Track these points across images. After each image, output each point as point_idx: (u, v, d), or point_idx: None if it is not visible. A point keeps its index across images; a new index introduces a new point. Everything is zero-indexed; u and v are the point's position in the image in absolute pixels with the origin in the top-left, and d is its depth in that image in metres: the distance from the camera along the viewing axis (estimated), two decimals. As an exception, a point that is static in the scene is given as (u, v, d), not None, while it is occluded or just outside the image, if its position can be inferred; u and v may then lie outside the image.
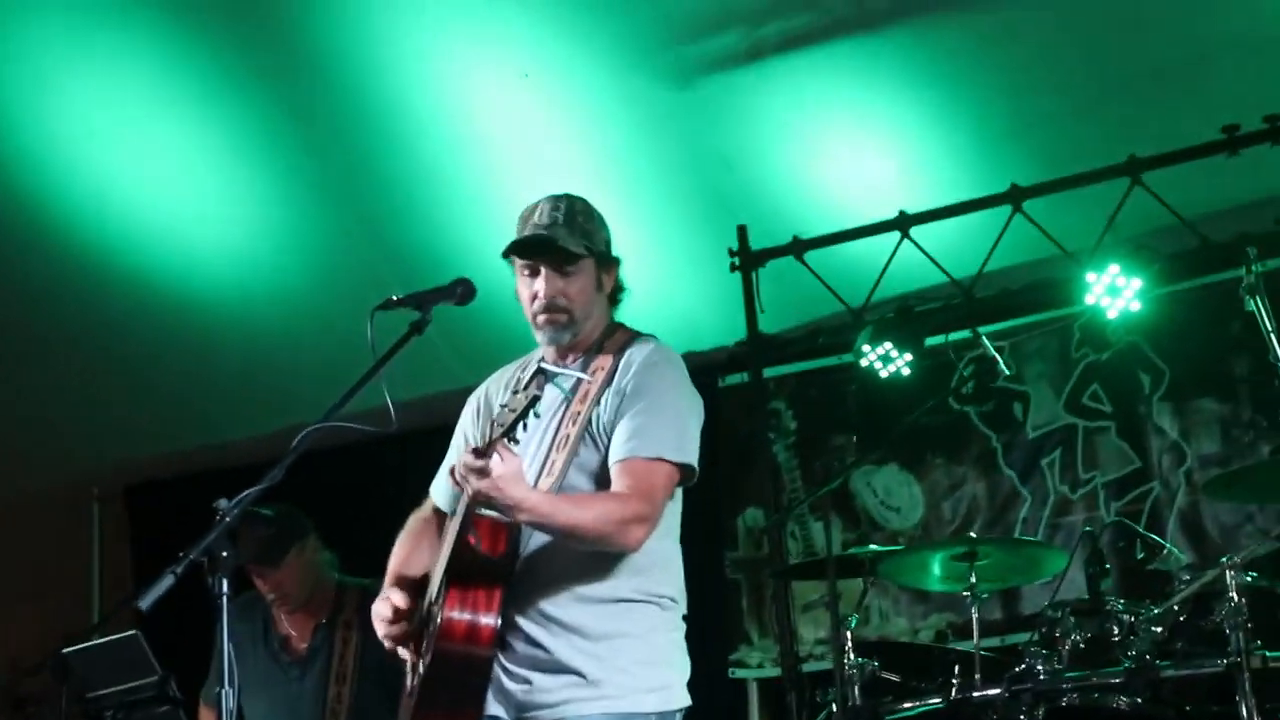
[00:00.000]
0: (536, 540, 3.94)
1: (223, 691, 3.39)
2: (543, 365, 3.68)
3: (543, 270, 4.10)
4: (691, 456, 4.02)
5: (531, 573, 3.94)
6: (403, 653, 4.13)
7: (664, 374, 4.07)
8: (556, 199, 4.18)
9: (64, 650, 5.81)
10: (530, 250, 4.11)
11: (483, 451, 3.66)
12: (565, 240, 4.08)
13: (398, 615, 4.08)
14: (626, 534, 3.87)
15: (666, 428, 3.97)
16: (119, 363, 8.49)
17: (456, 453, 4.28)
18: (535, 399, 3.59)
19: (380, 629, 4.11)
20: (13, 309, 8.14)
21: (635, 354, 4.09)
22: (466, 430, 4.32)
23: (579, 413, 3.98)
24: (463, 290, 4.07)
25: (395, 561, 4.30)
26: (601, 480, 3.97)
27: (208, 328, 8.21)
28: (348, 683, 5.89)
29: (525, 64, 7.04)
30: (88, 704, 5.74)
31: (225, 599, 3.41)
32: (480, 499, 3.73)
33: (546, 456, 4.01)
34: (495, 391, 4.30)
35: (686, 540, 7.99)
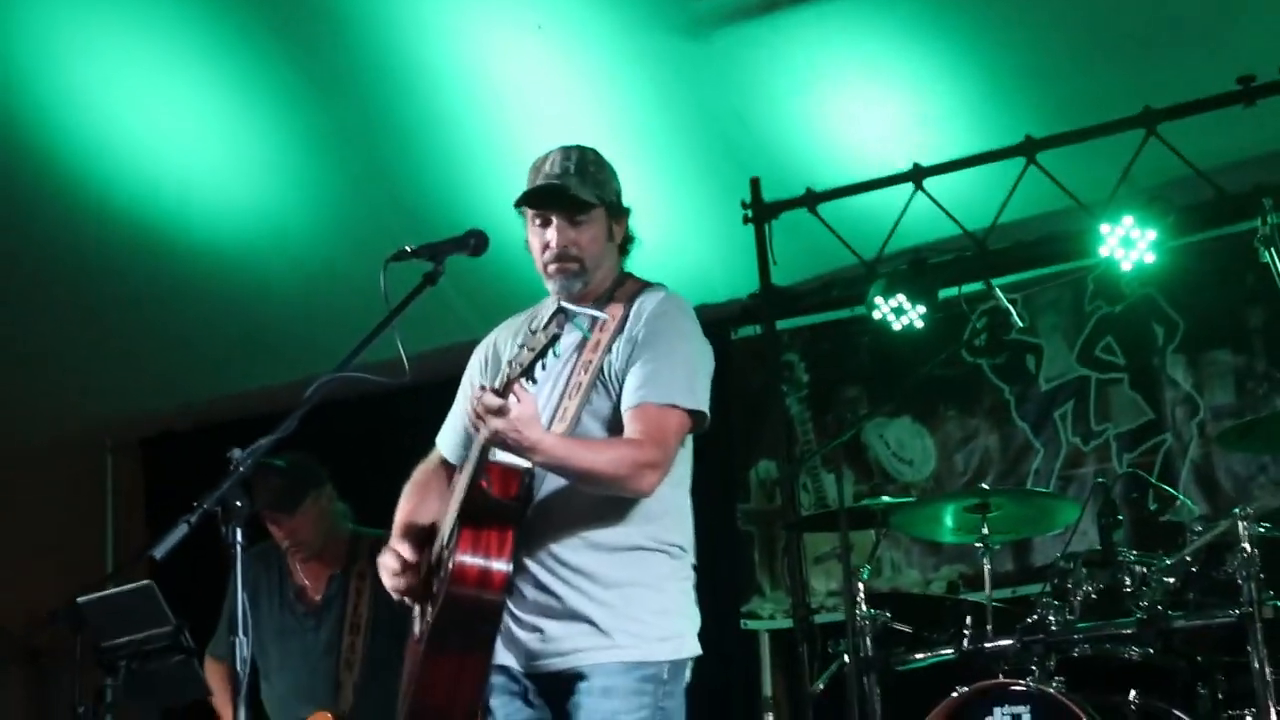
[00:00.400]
0: (549, 486, 3.95)
1: (236, 639, 3.39)
2: (562, 304, 3.65)
3: (554, 220, 4.11)
4: (703, 403, 4.04)
5: (543, 519, 3.95)
6: (409, 603, 4.15)
7: (675, 321, 4.08)
8: (568, 150, 4.19)
9: (78, 600, 5.84)
10: (543, 200, 4.11)
11: (500, 392, 3.66)
12: (578, 189, 4.09)
13: (405, 566, 4.10)
14: (640, 478, 3.89)
15: (678, 374, 3.99)
16: (132, 314, 8.51)
17: (464, 403, 4.29)
18: (555, 337, 3.58)
19: (387, 580, 4.12)
20: (24, 262, 8.16)
21: (646, 302, 4.10)
22: (474, 380, 4.32)
23: (590, 360, 3.99)
24: (476, 241, 4.07)
25: (402, 513, 4.31)
26: (614, 427, 3.98)
27: (221, 278, 8.21)
28: (361, 633, 5.92)
29: (538, 16, 7.02)
30: (102, 653, 5.76)
31: (239, 548, 3.42)
32: (496, 440, 3.73)
33: (559, 403, 4.02)
34: (504, 342, 4.30)
35: (699, 492, 8.01)
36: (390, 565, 4.11)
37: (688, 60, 7.15)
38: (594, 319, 3.92)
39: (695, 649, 4.10)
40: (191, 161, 7.67)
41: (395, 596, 4.14)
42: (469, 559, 3.85)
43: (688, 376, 4.02)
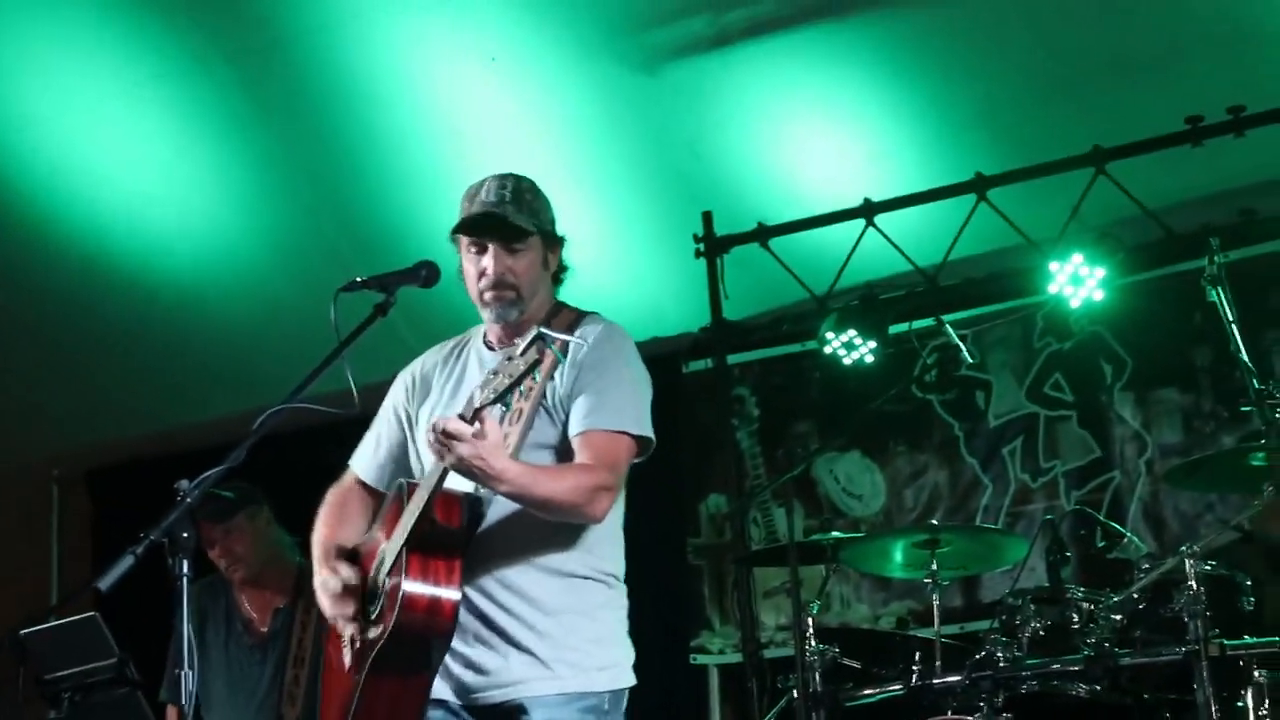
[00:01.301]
0: (493, 514, 3.93)
1: (182, 673, 3.36)
2: (541, 330, 3.60)
3: (491, 247, 4.09)
4: (649, 429, 4.05)
5: (484, 547, 3.92)
6: (342, 626, 4.06)
7: (619, 348, 4.09)
8: (503, 178, 4.17)
9: (21, 631, 5.79)
10: (479, 228, 4.09)
11: (469, 419, 3.62)
12: (514, 217, 4.08)
13: (347, 591, 4.02)
14: (595, 504, 3.89)
15: (625, 401, 4.00)
16: (79, 345, 8.44)
17: (386, 427, 4.29)
18: (535, 364, 3.57)
19: (329, 604, 4.04)
20: (-30, 289, 8.10)
21: (587, 331, 4.08)
22: (398, 407, 4.30)
23: (531, 388, 3.93)
24: (427, 273, 4.06)
25: (322, 535, 4.24)
26: (560, 453, 3.97)
27: (169, 310, 8.17)
28: (305, 666, 5.89)
29: (491, 47, 7.02)
30: (45, 685, 5.72)
31: (186, 580, 3.38)
32: (460, 467, 3.69)
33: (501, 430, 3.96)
34: (432, 367, 4.28)
35: (649, 526, 7.99)
36: (334, 588, 4.03)
37: (640, 93, 7.16)
38: (569, 344, 3.87)
39: (631, 679, 4.08)
40: (141, 189, 7.64)
41: (335, 620, 4.06)
42: (419, 587, 3.80)
43: (635, 403, 4.03)
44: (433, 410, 4.19)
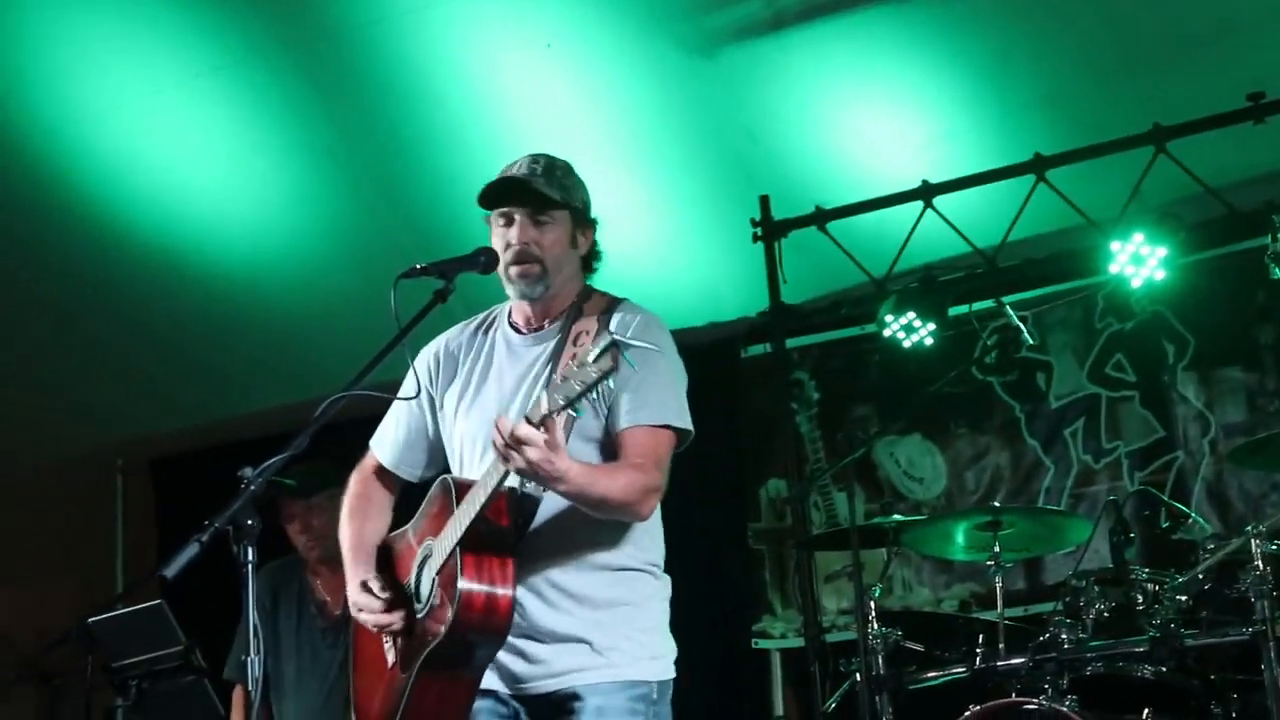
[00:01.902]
0: (543, 511, 3.92)
1: (248, 659, 3.39)
2: (617, 338, 3.53)
3: (517, 219, 4.06)
4: (689, 421, 4.03)
5: (533, 545, 3.92)
6: (380, 629, 4.07)
7: (659, 338, 4.03)
8: (536, 156, 4.15)
9: (89, 620, 5.84)
10: (504, 195, 4.08)
11: (538, 424, 3.57)
12: (542, 186, 4.05)
13: (387, 606, 4.03)
14: (644, 504, 3.90)
15: (667, 395, 3.98)
16: (142, 335, 8.50)
17: (406, 409, 4.26)
18: (609, 371, 3.51)
19: (371, 619, 4.05)
20: (35, 283, 8.16)
21: (628, 318, 4.05)
22: (423, 387, 4.22)
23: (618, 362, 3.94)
24: (486, 259, 4.05)
25: (349, 535, 4.26)
26: (603, 445, 3.96)
27: (231, 299, 8.22)
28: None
29: (548, 33, 7.03)
30: (113, 673, 5.77)
31: (251, 567, 3.40)
32: (527, 471, 3.65)
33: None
34: (457, 348, 4.25)
35: (710, 512, 8.02)
36: (371, 605, 4.05)
37: (697, 78, 7.15)
38: (646, 350, 3.81)
39: (673, 672, 4.09)
40: (201, 180, 7.68)
41: (369, 624, 4.08)
42: (476, 586, 3.80)
43: (676, 396, 4.02)
44: (459, 397, 4.17)
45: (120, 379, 8.84)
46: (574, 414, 3.60)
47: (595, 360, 3.49)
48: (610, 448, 3.96)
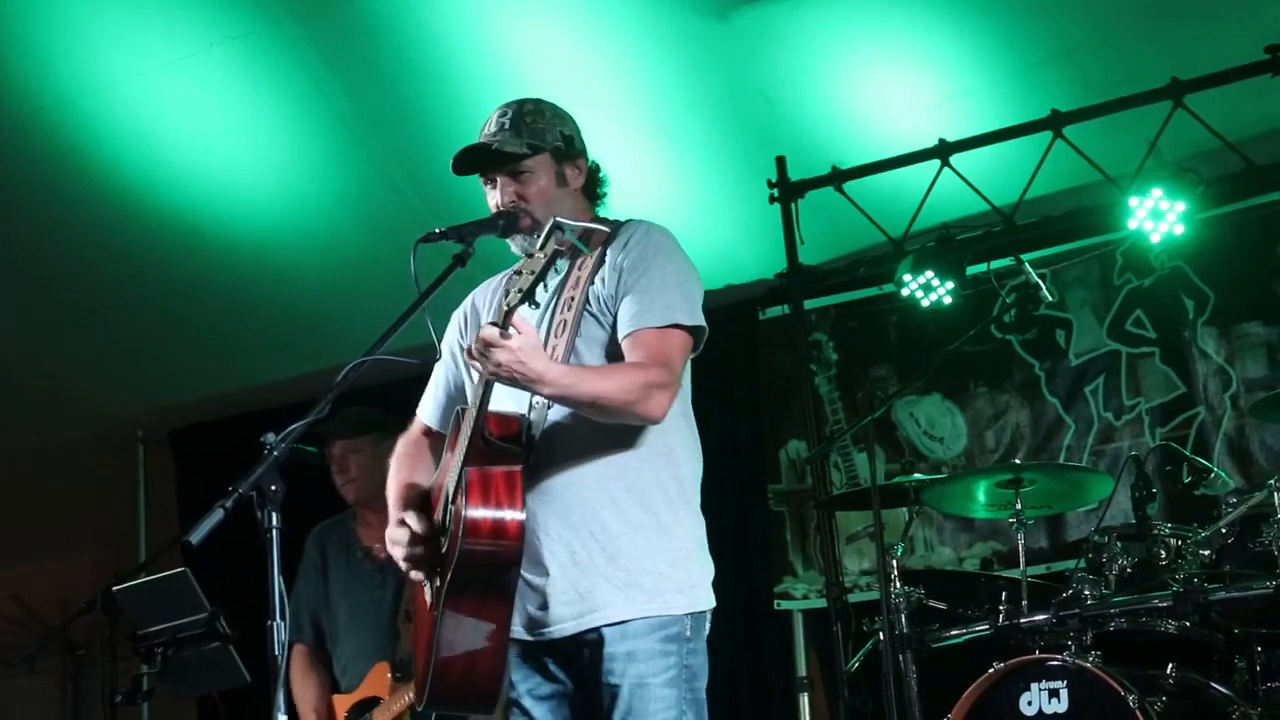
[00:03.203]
0: (551, 429, 3.86)
1: (274, 624, 3.39)
2: (557, 220, 3.50)
3: (498, 180, 4.07)
4: (701, 318, 3.95)
5: (544, 467, 3.85)
6: (416, 575, 4.01)
7: (661, 243, 4.00)
8: (505, 106, 4.15)
9: (114, 588, 5.87)
10: (470, 164, 4.08)
11: (500, 324, 3.54)
12: (502, 144, 4.04)
13: (415, 538, 3.96)
14: (650, 401, 3.79)
15: (674, 293, 3.91)
16: (160, 305, 8.52)
17: (445, 368, 4.25)
18: (557, 254, 3.49)
19: (399, 552, 3.99)
20: (55, 254, 8.17)
21: (625, 230, 4.02)
22: (453, 345, 4.25)
23: (573, 297, 3.90)
24: (505, 222, 4.05)
25: (395, 487, 4.21)
26: (612, 354, 3.90)
27: (249, 268, 8.22)
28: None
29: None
30: (138, 641, 5.80)
31: (275, 533, 3.41)
32: (502, 374, 3.61)
33: (546, 344, 3.88)
34: (483, 302, 4.25)
35: (730, 473, 8.01)
36: (400, 537, 3.97)
37: (712, 40, 7.12)
38: (591, 231, 3.79)
39: (711, 600, 3.97)
40: (217, 150, 7.67)
41: (406, 567, 4.01)
42: (480, 511, 3.72)
43: (683, 295, 3.93)
44: None
45: (139, 349, 8.86)
46: (532, 305, 3.56)
47: (541, 246, 3.49)
48: (620, 359, 3.88)
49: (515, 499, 3.76)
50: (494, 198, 4.09)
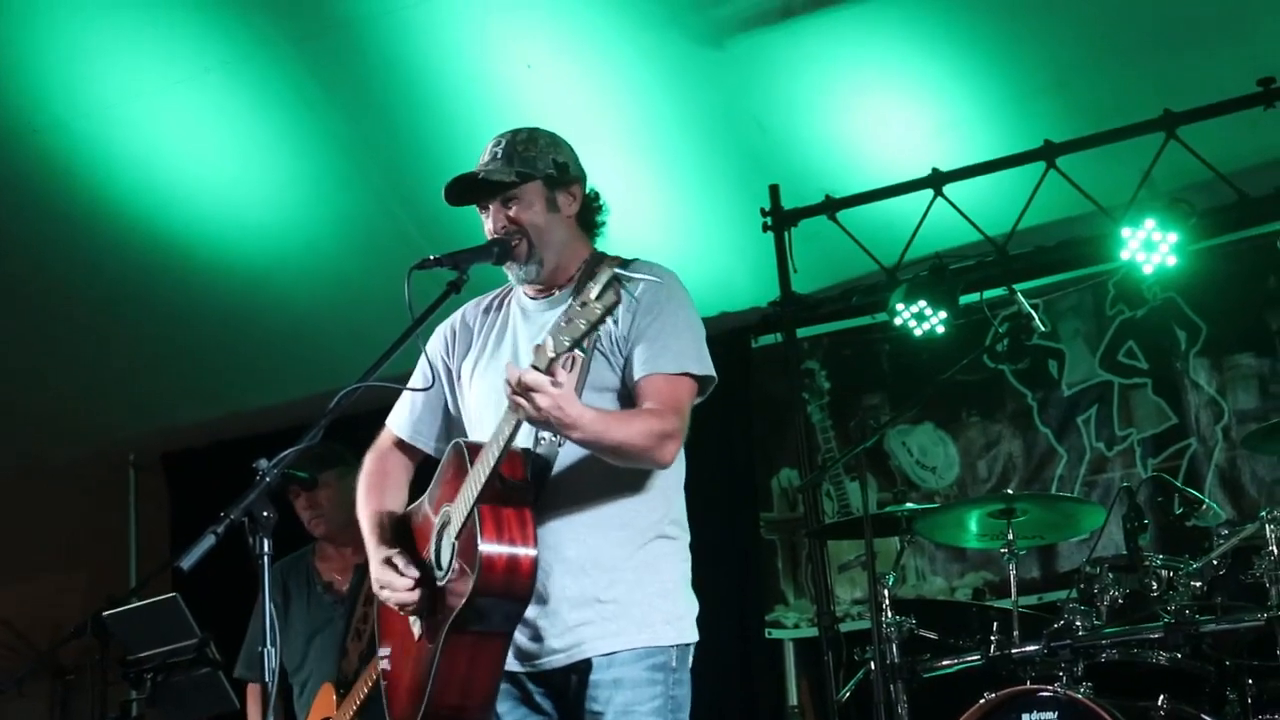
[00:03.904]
0: (562, 470, 3.89)
1: (265, 650, 3.38)
2: (618, 272, 3.48)
3: (490, 207, 4.08)
4: (710, 367, 4.00)
5: (549, 503, 3.88)
6: (405, 607, 4.00)
7: (673, 290, 4.02)
8: (499, 136, 4.16)
9: (104, 613, 5.86)
10: (460, 194, 4.09)
11: (545, 369, 3.53)
12: (490, 173, 4.06)
13: (408, 582, 3.97)
14: (663, 449, 3.84)
15: (686, 341, 3.96)
16: (154, 329, 8.51)
17: (422, 381, 4.21)
18: (614, 305, 3.47)
19: (389, 596, 3.99)
20: (49, 276, 8.16)
21: (635, 270, 3.93)
22: (435, 359, 4.24)
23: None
24: (499, 250, 4.06)
25: (369, 513, 4.21)
26: (620, 396, 3.94)
27: (242, 292, 8.22)
28: (375, 603, 5.98)
29: (558, 24, 7.01)
30: (128, 667, 5.78)
31: (267, 559, 3.40)
32: (538, 419, 3.61)
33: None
34: (473, 319, 4.25)
35: (722, 501, 8.01)
36: (393, 582, 3.98)
37: (707, 67, 7.14)
38: (642, 284, 3.77)
39: (695, 634, 4.02)
40: (211, 174, 7.68)
41: (395, 604, 4.01)
42: (497, 548, 3.74)
43: (694, 343, 3.98)
44: (475, 362, 4.16)
45: (132, 373, 8.85)
46: (582, 352, 3.59)
47: (598, 297, 3.45)
48: (628, 399, 3.93)
49: (528, 537, 3.79)
50: (488, 225, 4.11)
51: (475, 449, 3.88)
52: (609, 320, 3.63)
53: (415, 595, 3.96)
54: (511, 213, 4.06)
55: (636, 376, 3.91)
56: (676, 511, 4.07)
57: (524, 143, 4.13)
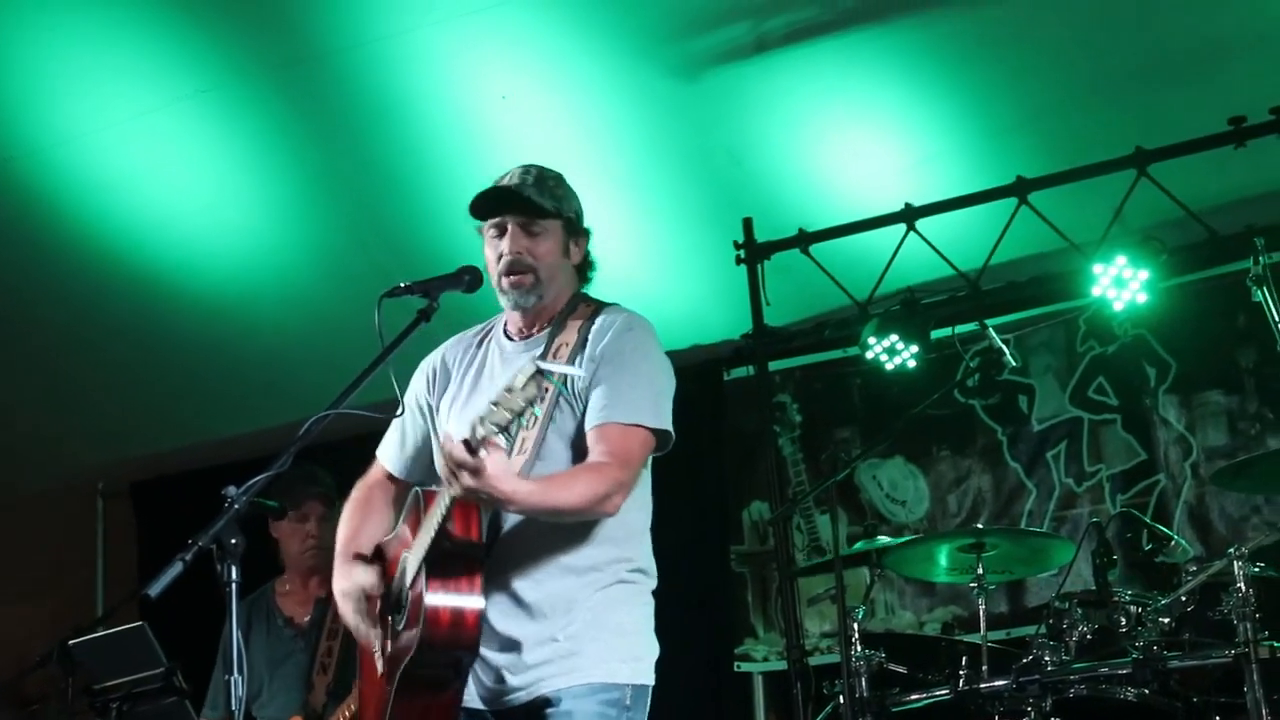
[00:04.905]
0: (509, 519, 3.92)
1: (231, 679, 3.37)
2: (539, 365, 3.56)
3: (509, 227, 4.09)
4: (667, 422, 4.02)
5: (504, 552, 3.92)
6: (365, 633, 4.11)
7: (638, 339, 4.06)
8: (528, 166, 4.19)
9: (70, 642, 5.82)
10: (496, 204, 4.11)
11: (473, 448, 3.59)
12: (533, 195, 4.08)
13: (370, 597, 4.08)
14: (607, 502, 3.87)
15: (642, 393, 3.97)
16: (123, 357, 8.49)
17: (410, 418, 4.29)
18: (534, 400, 3.55)
19: (350, 606, 4.10)
20: (18, 304, 8.14)
21: (607, 320, 4.08)
22: (419, 397, 4.29)
23: (547, 388, 3.92)
24: (470, 278, 4.08)
25: (346, 533, 4.29)
26: (578, 445, 3.95)
27: (212, 321, 8.20)
28: (339, 636, 5.97)
29: (531, 56, 7.02)
30: (94, 696, 5.73)
31: (235, 587, 3.39)
32: (469, 496, 3.69)
33: (516, 434, 3.95)
34: (452, 358, 4.28)
35: (692, 534, 8.00)
36: (354, 593, 4.10)
37: (681, 100, 7.15)
38: (570, 377, 3.88)
39: (652, 677, 4.05)
40: (182, 202, 7.66)
41: (354, 627, 4.11)
42: (441, 600, 3.83)
43: (652, 395, 4.00)
44: (452, 401, 4.20)
45: (101, 401, 8.82)
46: (506, 437, 3.68)
47: (522, 388, 3.54)
48: (585, 446, 3.94)
49: (474, 589, 3.86)
50: (500, 245, 4.11)
51: (431, 496, 3.94)
52: (570, 373, 3.81)
53: (373, 633, 4.08)
54: (530, 243, 4.09)
55: (590, 425, 3.94)
56: (640, 555, 4.10)
57: (554, 180, 4.18)
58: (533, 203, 4.07)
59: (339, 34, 7.00)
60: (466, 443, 3.60)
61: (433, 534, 3.81)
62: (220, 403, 8.84)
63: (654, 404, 3.99)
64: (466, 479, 3.61)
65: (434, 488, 3.99)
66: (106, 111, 7.25)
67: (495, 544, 3.92)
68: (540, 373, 3.56)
